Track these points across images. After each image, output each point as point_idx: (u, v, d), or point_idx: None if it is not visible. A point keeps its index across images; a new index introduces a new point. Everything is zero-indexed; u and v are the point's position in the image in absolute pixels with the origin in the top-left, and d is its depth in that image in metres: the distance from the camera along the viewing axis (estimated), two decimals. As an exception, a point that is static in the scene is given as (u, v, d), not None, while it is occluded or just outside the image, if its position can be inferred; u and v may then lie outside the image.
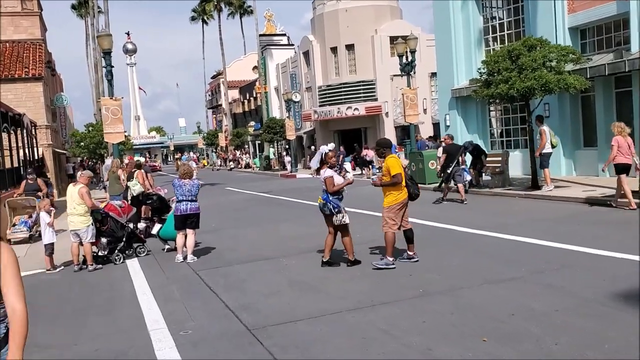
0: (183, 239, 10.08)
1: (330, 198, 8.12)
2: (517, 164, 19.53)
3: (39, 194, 14.78)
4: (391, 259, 7.94)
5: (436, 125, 36.49)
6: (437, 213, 13.41)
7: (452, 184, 15.44)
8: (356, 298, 6.72)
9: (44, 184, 15.66)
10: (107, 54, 16.97)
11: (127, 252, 10.70)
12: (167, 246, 11.21)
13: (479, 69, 16.30)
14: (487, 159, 17.87)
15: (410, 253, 8.30)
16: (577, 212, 12.08)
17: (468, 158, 17.77)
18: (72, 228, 9.83)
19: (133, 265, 10.11)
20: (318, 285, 7.52)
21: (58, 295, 8.45)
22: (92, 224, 9.92)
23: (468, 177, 15.99)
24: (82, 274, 9.71)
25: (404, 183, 8.04)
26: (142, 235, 12.60)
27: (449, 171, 15.14)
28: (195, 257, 9.97)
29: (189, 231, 10.02)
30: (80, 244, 9.90)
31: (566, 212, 12.12)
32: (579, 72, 15.43)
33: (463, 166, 15.89)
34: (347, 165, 29.52)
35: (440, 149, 17.06)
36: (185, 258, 9.89)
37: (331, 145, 8.71)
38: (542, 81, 14.13)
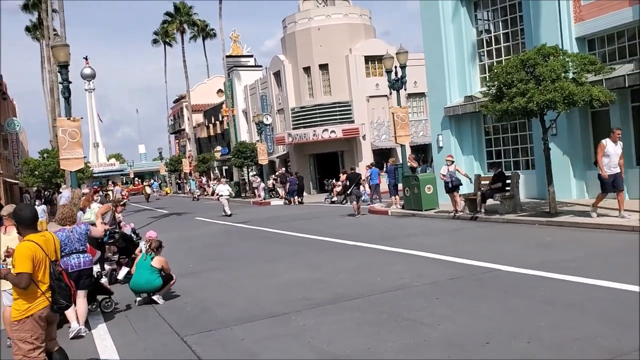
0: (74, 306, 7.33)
1: None
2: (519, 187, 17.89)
3: None
4: None
5: (413, 148, 35.06)
6: (461, 246, 11.52)
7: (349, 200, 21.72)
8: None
9: None
10: (63, 67, 14.57)
11: (89, 306, 8.42)
12: (138, 298, 9.01)
13: (487, 82, 14.67)
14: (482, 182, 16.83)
15: None
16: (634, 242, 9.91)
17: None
18: (9, 287, 7.35)
19: (97, 326, 7.85)
20: (363, 364, 5.41)
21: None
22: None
23: (363, 197, 22.46)
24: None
25: (45, 286, 4.94)
26: (108, 282, 10.49)
27: (348, 192, 20.95)
28: (86, 329, 7.44)
29: (80, 293, 7.51)
30: None
31: (624, 244, 9.96)
32: (595, 84, 13.93)
33: (363, 190, 22.99)
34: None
35: (344, 176, 23.81)
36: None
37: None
38: (566, 93, 12.54)
